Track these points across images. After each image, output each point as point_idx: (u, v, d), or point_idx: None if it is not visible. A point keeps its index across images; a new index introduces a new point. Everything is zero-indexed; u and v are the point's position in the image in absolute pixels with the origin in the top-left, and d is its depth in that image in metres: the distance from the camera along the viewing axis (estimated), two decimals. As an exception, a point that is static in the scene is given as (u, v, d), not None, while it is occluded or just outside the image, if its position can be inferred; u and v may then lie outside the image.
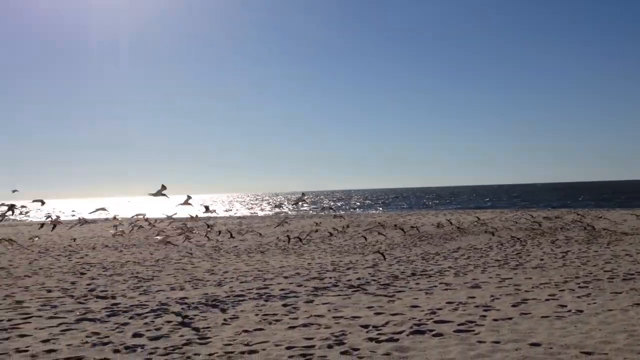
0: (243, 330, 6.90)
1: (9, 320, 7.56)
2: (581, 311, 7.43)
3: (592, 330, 6.44)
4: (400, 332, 6.58)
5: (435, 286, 9.78)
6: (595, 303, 7.93)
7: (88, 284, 10.69)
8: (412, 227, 23.24)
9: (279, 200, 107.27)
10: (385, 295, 9.00)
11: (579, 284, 9.61)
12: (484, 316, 7.30)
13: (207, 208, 15.81)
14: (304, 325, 7.10)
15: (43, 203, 12.80)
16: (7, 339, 6.60)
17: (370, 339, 6.34)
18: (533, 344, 5.90)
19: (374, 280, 10.60)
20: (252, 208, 66.16)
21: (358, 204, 75.70)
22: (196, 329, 6.98)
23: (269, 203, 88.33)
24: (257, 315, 7.75)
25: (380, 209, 54.38)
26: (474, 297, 8.61)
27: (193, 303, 8.66)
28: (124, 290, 9.97)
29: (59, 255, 16.51)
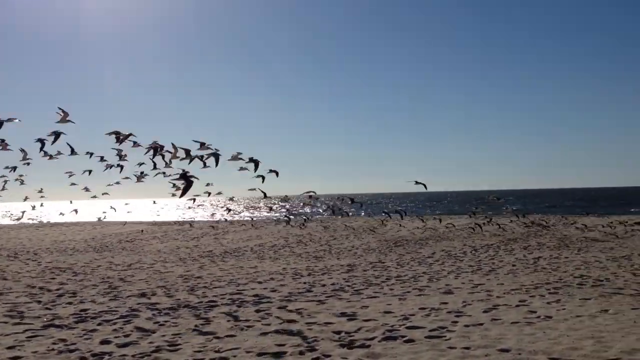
0: (214, 336, 6.83)
1: (-27, 326, 7.37)
2: (550, 317, 7.52)
3: (560, 336, 6.51)
4: (372, 339, 6.58)
5: (409, 292, 9.81)
6: (564, 309, 8.03)
7: (57, 289, 10.49)
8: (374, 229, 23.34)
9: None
10: (358, 301, 9.00)
11: (549, 289, 9.73)
12: (456, 322, 7.34)
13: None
14: (276, 331, 7.06)
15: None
16: (-30, 346, 6.43)
17: (342, 346, 6.32)
18: (502, 350, 5.94)
19: (349, 285, 10.59)
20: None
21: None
22: (166, 336, 6.89)
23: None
24: (229, 321, 7.68)
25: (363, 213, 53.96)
26: (446, 303, 8.65)
27: (164, 309, 8.55)
28: (93, 295, 9.80)
29: (27, 259, 16.20)
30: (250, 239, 22.86)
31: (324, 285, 10.62)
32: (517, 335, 6.56)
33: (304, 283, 10.98)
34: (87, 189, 17.83)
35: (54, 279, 11.97)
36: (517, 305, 8.35)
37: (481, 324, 7.17)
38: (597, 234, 20.95)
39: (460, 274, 11.83)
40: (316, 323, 7.45)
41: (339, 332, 6.91)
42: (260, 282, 11.12)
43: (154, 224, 33.65)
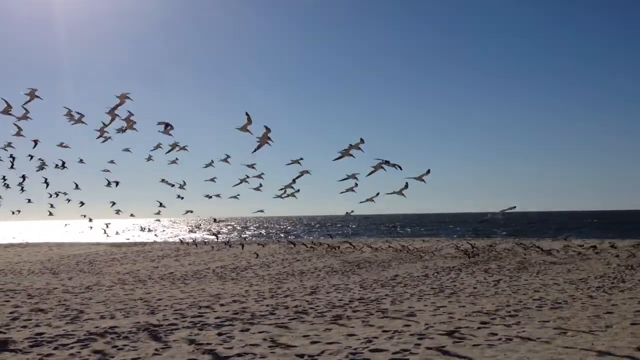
0: (175, 360, 6.70)
1: None
2: (510, 339, 7.63)
3: (520, 358, 6.61)
4: (336, 362, 6.56)
5: (372, 314, 9.82)
6: (524, 331, 8.16)
7: (11, 312, 10.13)
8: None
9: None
10: (322, 324, 8.96)
11: (509, 312, 9.88)
12: (419, 345, 7.38)
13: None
14: (239, 355, 6.97)
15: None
16: None
17: (305, 369, 6.28)
18: (465, 373, 6.00)
19: (312, 308, 10.54)
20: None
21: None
22: (125, 360, 6.72)
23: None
24: (190, 344, 7.54)
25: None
26: (409, 326, 8.69)
27: (123, 332, 8.34)
28: (49, 319, 9.49)
29: (-20, 281, 15.61)
30: (212, 260, 22.58)
31: (287, 308, 10.55)
32: (479, 358, 6.63)
33: (267, 305, 10.88)
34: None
35: (7, 301, 11.56)
36: (479, 328, 8.46)
37: (444, 347, 7.23)
38: (555, 257, 21.44)
39: (422, 297, 11.91)
40: (279, 346, 7.39)
41: (302, 356, 6.87)
42: (222, 305, 10.97)
43: (113, 245, 32.95)
